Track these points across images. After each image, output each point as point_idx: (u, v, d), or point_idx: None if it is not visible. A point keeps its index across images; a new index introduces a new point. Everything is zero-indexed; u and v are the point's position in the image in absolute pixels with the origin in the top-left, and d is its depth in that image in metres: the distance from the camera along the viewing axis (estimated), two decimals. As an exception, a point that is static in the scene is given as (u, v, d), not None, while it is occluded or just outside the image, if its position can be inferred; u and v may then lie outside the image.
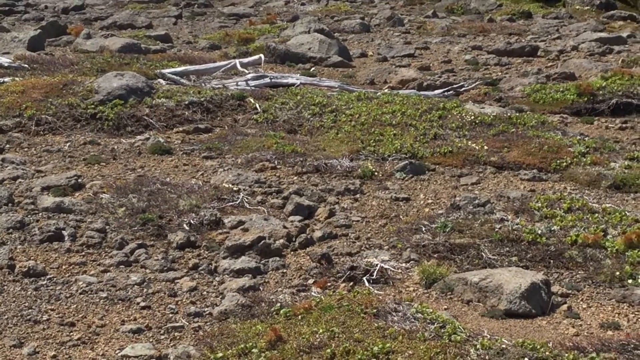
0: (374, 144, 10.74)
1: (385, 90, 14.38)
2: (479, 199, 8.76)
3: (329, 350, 5.59)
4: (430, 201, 9.04)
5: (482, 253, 7.50)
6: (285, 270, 7.39)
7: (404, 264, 7.43)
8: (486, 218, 8.24)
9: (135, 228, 8.07)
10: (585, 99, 13.57)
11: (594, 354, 5.66)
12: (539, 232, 7.86)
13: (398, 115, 11.83)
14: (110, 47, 17.94)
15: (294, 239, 7.94)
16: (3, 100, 12.03)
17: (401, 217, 8.58)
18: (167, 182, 9.26)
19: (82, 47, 18.77)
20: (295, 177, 9.67)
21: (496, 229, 7.91)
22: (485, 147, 10.57)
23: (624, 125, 12.59)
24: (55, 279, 7.10)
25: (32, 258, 7.44)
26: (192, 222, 8.14)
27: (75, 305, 6.66)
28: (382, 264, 7.29)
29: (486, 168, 10.10)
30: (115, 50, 17.53)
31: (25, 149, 10.61)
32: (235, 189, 9.15)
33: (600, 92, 13.71)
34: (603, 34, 20.48)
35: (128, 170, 9.85)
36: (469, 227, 8.00)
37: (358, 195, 9.16)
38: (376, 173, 9.80)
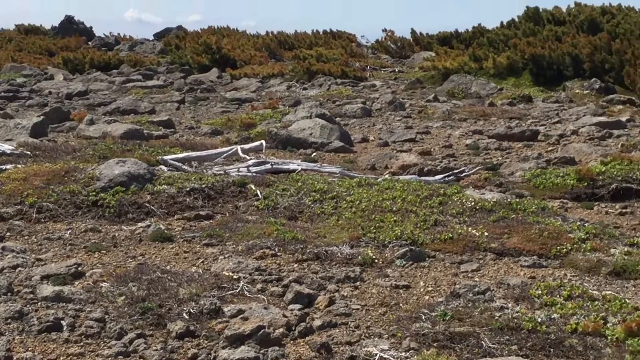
0: (374, 230, 10.75)
1: (386, 176, 14.43)
2: (479, 287, 8.74)
3: None
4: (430, 289, 9.02)
5: (482, 342, 7.46)
6: (284, 360, 7.37)
7: (403, 354, 7.39)
8: (486, 306, 8.22)
9: (135, 317, 8.03)
10: (585, 184, 13.59)
11: None
12: (539, 320, 7.82)
13: (399, 202, 11.86)
14: (112, 133, 18.10)
15: (293, 328, 7.90)
16: (4, 187, 12.09)
17: (401, 305, 8.55)
18: (168, 270, 9.26)
19: (85, 133, 18.94)
20: (296, 265, 9.67)
21: (496, 317, 7.88)
22: (486, 234, 10.57)
23: (623, 210, 12.57)
24: (53, 370, 7.07)
25: (29, 349, 7.40)
26: (191, 311, 8.11)
27: (73, 397, 6.63)
28: (382, 354, 7.25)
29: (486, 254, 10.09)
30: (117, 137, 17.68)
31: (26, 237, 10.63)
32: (235, 277, 9.14)
33: (600, 177, 13.72)
34: (602, 118, 20.65)
35: (128, 258, 9.85)
36: (469, 316, 7.97)
37: (358, 283, 9.14)
38: (376, 260, 9.79)
